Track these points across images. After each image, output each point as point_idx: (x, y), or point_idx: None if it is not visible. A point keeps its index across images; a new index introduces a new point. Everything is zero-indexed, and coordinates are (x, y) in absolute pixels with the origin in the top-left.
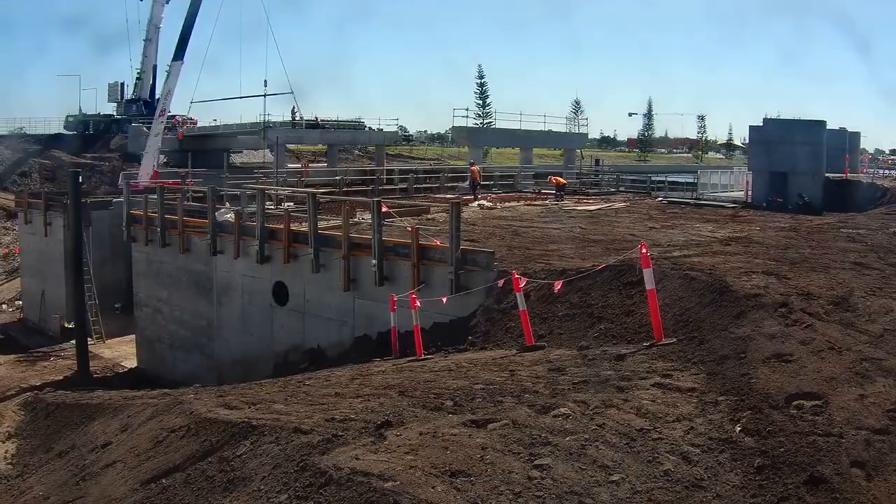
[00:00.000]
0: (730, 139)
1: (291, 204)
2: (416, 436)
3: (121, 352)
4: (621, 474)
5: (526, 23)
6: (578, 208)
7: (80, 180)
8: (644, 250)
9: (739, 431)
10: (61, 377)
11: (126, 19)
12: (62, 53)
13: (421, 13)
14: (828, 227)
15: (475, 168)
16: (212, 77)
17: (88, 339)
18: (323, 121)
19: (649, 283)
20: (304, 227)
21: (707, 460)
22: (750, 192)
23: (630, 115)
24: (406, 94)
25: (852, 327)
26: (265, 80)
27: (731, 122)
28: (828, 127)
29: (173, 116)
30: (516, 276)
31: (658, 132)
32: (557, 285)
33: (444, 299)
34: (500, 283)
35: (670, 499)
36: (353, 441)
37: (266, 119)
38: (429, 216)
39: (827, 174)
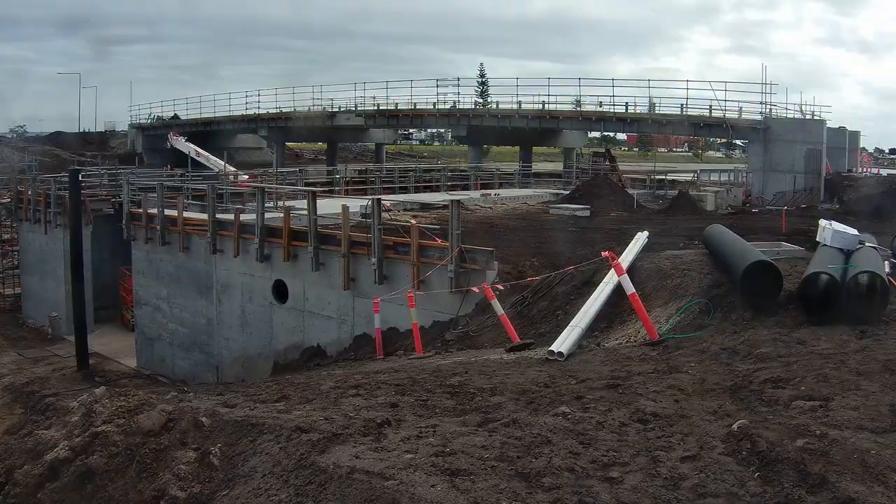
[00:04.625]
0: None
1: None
2: (416, 435)
3: (119, 350)
4: (622, 473)
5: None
6: None
7: (80, 178)
8: (614, 260)
9: (738, 430)
10: (61, 376)
11: None
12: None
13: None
14: None
15: None
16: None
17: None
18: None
19: (629, 289)
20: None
21: (707, 459)
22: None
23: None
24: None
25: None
26: None
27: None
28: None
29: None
30: (487, 286)
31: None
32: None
33: (444, 297)
34: (475, 289)
35: (670, 498)
36: (352, 439)
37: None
38: None
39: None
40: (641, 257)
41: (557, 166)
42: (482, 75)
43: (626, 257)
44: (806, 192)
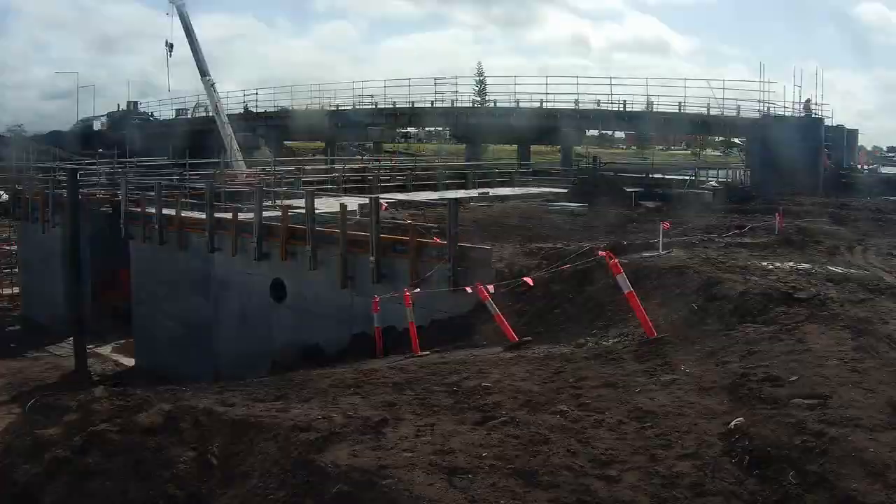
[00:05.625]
0: (728, 135)
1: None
2: (414, 433)
3: (118, 349)
4: (620, 471)
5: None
6: None
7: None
8: (611, 259)
9: (736, 428)
10: (59, 376)
11: None
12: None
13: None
14: None
15: None
16: None
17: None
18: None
19: (625, 287)
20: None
21: (705, 457)
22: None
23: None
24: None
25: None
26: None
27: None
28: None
29: None
30: (480, 286)
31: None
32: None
33: (442, 296)
34: (468, 289)
35: (668, 496)
36: (350, 438)
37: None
38: None
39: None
40: (639, 255)
41: (556, 164)
42: (480, 73)
43: None
44: (805, 190)
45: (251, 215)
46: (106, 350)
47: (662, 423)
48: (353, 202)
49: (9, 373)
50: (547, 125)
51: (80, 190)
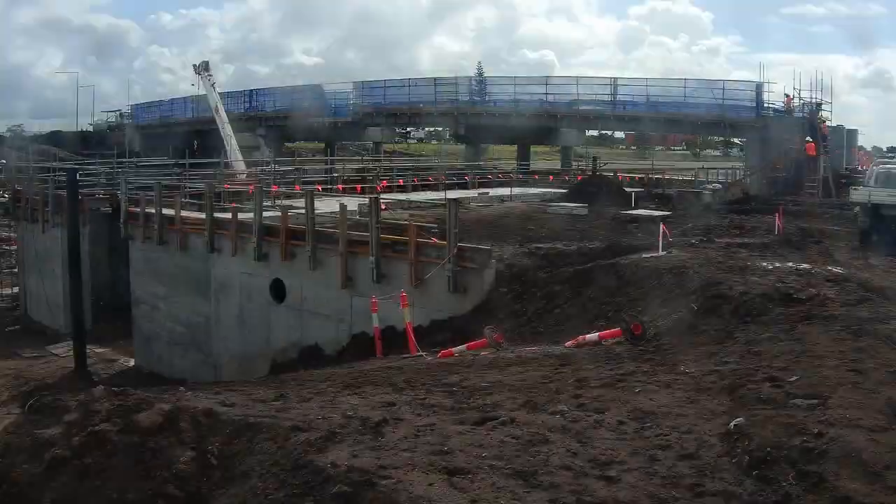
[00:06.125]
0: (727, 136)
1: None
2: (414, 434)
3: (118, 349)
4: (620, 472)
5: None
6: None
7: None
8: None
9: (735, 429)
10: (59, 376)
11: None
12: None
13: None
14: None
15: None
16: None
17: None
18: None
19: None
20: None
21: (705, 458)
22: None
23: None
24: None
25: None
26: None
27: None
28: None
29: None
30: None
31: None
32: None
33: (442, 296)
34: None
35: (668, 496)
36: (350, 438)
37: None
38: None
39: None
40: (639, 255)
41: (556, 165)
42: (480, 74)
43: None
44: (804, 189)
45: (251, 215)
46: (106, 350)
47: (662, 423)
48: (352, 202)
49: (9, 373)
50: (547, 125)
51: (80, 190)
